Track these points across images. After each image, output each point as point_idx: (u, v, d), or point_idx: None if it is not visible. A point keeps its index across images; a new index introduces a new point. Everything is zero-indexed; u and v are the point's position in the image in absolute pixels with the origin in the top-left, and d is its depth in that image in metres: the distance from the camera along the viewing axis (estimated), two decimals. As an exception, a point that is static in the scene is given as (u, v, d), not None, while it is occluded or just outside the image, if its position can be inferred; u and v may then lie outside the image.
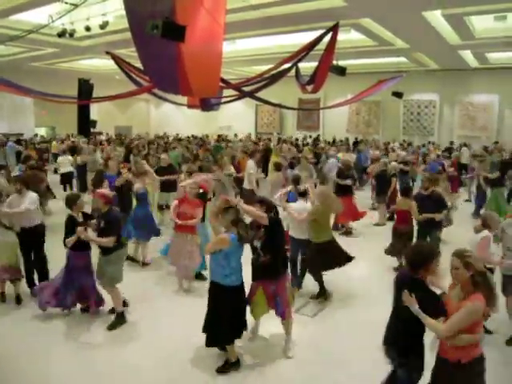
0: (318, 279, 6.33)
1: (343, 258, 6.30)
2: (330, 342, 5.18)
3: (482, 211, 10.48)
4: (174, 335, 5.22)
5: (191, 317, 5.16)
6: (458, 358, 3.18)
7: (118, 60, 9.43)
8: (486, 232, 5.16)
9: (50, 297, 5.53)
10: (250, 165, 10.61)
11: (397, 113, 23.04)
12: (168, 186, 9.59)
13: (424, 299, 3.22)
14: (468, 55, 17.29)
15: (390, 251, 7.46)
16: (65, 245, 5.43)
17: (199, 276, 6.81)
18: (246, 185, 10.53)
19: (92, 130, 19.96)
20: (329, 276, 6.38)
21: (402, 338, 3.42)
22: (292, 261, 6.28)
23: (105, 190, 6.63)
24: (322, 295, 6.32)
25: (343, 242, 7.09)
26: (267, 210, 4.77)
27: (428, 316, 3.16)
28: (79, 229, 5.28)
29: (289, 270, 5.41)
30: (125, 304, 5.78)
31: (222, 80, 8.17)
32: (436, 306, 3.26)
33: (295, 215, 6.11)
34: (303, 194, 6.40)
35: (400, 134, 22.84)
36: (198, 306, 5.06)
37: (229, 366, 4.58)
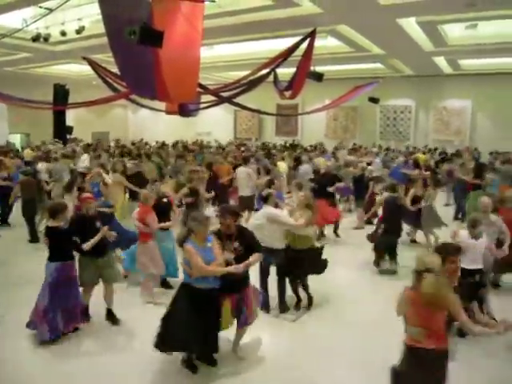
0: (295, 288, 6.21)
1: (321, 265, 6.21)
2: (310, 347, 5.19)
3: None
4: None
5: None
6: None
7: (94, 65, 9.37)
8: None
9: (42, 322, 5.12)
10: (243, 171, 10.29)
11: (373, 118, 23.33)
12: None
13: None
14: (442, 62, 17.64)
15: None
16: (79, 250, 5.36)
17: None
18: (242, 192, 10.20)
19: (68, 136, 19.79)
20: (309, 281, 6.29)
21: None
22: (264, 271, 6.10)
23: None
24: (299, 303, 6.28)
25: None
26: (235, 219, 4.75)
27: None
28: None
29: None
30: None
31: (200, 85, 8.19)
32: None
33: None
34: (265, 200, 6.11)
35: (377, 139, 23.11)
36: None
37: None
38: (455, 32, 13.52)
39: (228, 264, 4.47)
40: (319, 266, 6.19)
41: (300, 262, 5.94)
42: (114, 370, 4.65)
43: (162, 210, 6.77)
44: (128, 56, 5.93)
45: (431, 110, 22.18)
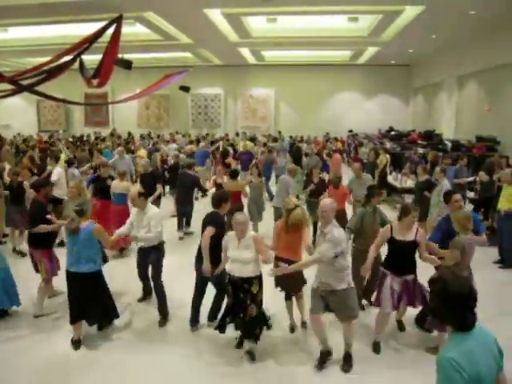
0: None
1: None
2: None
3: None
4: None
5: None
6: None
7: None
8: None
9: None
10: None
11: (185, 106, 23.79)
12: None
13: None
14: (246, 52, 18.75)
15: None
16: None
17: None
18: None
19: None
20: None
21: None
22: None
23: None
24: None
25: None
26: None
27: None
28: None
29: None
30: None
31: (-6, 72, 7.33)
32: None
33: None
34: None
35: (189, 127, 23.65)
36: None
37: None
38: (258, 25, 14.47)
39: None
40: None
41: None
42: None
43: None
44: None
45: (239, 98, 23.53)
